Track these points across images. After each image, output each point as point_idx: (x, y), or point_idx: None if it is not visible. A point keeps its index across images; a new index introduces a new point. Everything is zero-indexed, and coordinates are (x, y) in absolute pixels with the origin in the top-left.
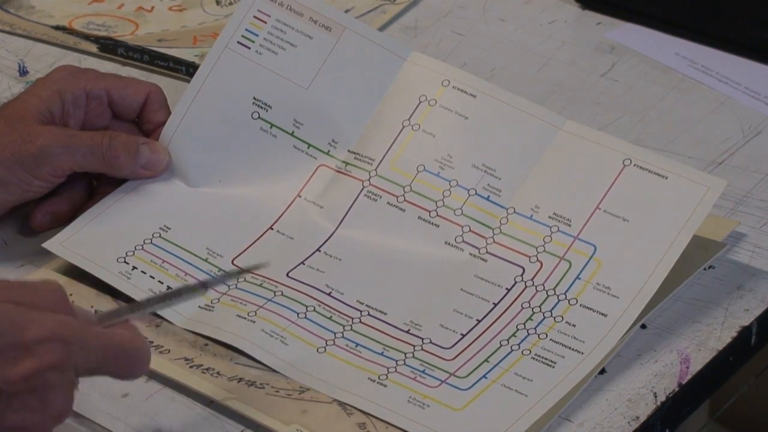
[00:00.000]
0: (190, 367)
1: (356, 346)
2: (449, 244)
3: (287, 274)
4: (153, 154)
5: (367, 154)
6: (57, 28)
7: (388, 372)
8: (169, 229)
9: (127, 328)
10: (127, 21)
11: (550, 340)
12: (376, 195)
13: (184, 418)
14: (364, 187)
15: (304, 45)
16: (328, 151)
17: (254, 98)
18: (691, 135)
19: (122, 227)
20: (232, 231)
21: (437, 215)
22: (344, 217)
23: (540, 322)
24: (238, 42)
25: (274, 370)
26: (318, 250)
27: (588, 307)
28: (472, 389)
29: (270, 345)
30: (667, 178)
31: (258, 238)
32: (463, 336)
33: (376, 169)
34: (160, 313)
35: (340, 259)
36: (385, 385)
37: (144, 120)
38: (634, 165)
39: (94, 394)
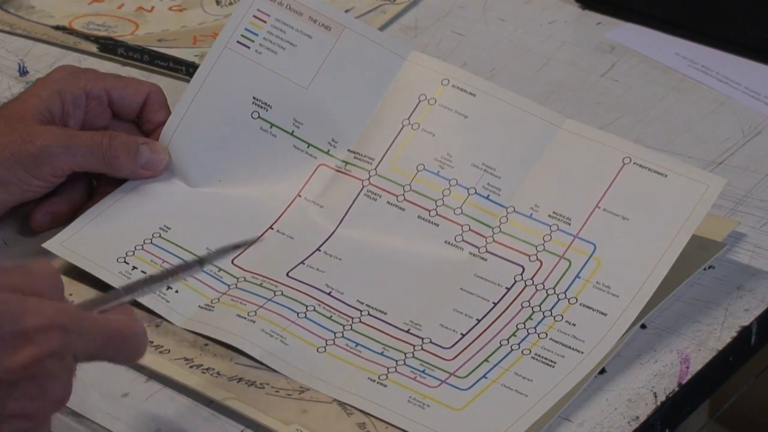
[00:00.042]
0: (190, 367)
1: (356, 346)
2: (449, 243)
3: (287, 274)
4: (153, 154)
5: (366, 154)
6: (57, 28)
7: (388, 372)
8: (169, 229)
9: (123, 313)
10: (127, 21)
11: (550, 339)
12: (375, 194)
13: (184, 418)
14: (363, 186)
15: (304, 44)
16: (328, 150)
17: (254, 98)
18: (691, 135)
19: (122, 227)
20: (232, 231)
21: (437, 214)
22: (344, 217)
23: (540, 322)
24: (238, 42)
25: (274, 370)
26: (318, 249)
27: (588, 306)
28: (472, 389)
29: (270, 345)
30: (666, 176)
31: (258, 238)
32: (463, 336)
33: (375, 169)
34: (159, 312)
35: (340, 259)
36: (385, 385)
37: (144, 120)
38: (634, 163)
39: (94, 394)
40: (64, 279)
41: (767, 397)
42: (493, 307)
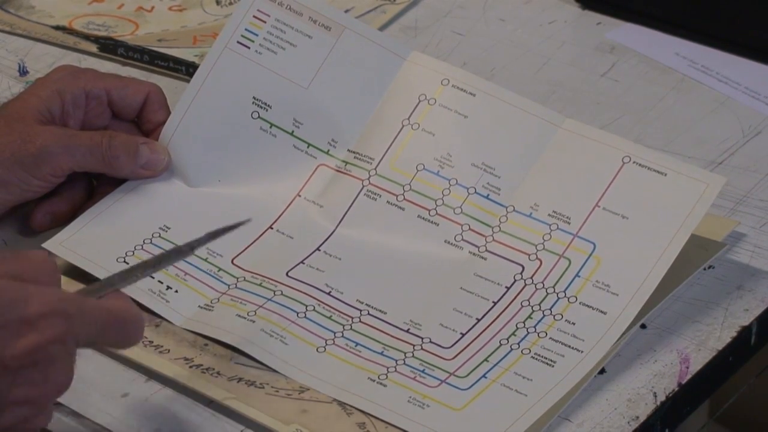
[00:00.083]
0: (190, 367)
1: (356, 346)
2: (449, 242)
3: (287, 274)
4: (153, 154)
5: (366, 154)
6: (57, 28)
7: (388, 372)
8: (169, 228)
9: (120, 298)
10: (127, 21)
11: (550, 338)
12: (375, 194)
13: (184, 418)
14: (363, 186)
15: (304, 44)
16: (328, 150)
17: (254, 98)
18: (691, 135)
19: (122, 227)
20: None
21: (437, 214)
22: (344, 217)
23: (540, 321)
24: (238, 42)
25: (274, 370)
26: (318, 249)
27: (587, 305)
28: (471, 389)
29: (270, 345)
30: (666, 175)
31: (258, 238)
32: (463, 335)
33: (375, 168)
34: (159, 312)
35: (340, 259)
36: (385, 385)
37: (143, 120)
38: (634, 162)
39: (94, 394)
40: (64, 279)
41: (767, 397)
42: (492, 307)
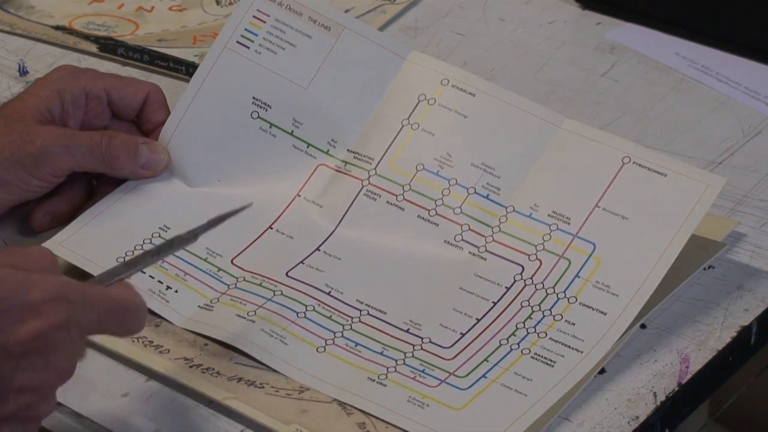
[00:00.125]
0: (190, 367)
1: (356, 346)
2: (449, 242)
3: (287, 274)
4: (152, 154)
5: (366, 154)
6: (57, 28)
7: (388, 371)
8: (169, 228)
9: (123, 286)
10: (127, 21)
11: (550, 338)
12: (375, 194)
13: (184, 418)
14: (363, 186)
15: (304, 44)
16: (328, 150)
17: (253, 98)
18: (691, 135)
19: (122, 227)
20: (231, 230)
21: (436, 214)
22: (344, 217)
23: (539, 321)
24: (238, 42)
25: (274, 370)
26: (317, 249)
27: (587, 306)
28: (471, 389)
29: (270, 345)
30: (666, 175)
31: (257, 238)
32: (463, 335)
33: (375, 168)
34: (159, 312)
35: (340, 259)
36: (385, 385)
37: (143, 120)
38: (633, 163)
39: (94, 394)
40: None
41: (767, 397)
42: (492, 307)
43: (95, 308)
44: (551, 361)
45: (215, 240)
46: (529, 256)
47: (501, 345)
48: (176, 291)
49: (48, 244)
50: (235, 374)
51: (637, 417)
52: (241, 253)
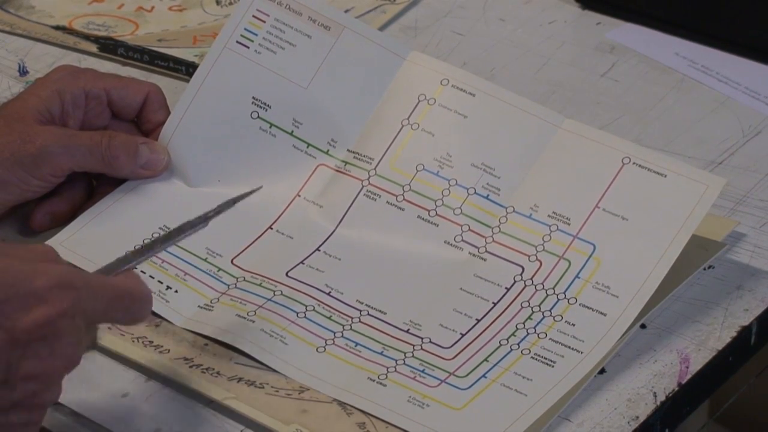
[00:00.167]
0: (190, 367)
1: (356, 346)
2: (449, 243)
3: (287, 274)
4: (152, 154)
5: (366, 154)
6: (57, 28)
7: (388, 371)
8: (169, 228)
9: (128, 276)
10: (127, 21)
11: (550, 339)
12: (375, 194)
13: (184, 418)
14: (363, 186)
15: (303, 44)
16: (328, 150)
17: (253, 98)
18: (691, 135)
19: (122, 227)
20: (231, 231)
21: (436, 214)
22: (344, 217)
23: (539, 322)
24: (237, 41)
25: (274, 370)
26: (317, 249)
27: (587, 306)
28: (471, 389)
29: (270, 345)
30: (666, 176)
31: (257, 238)
32: (463, 335)
33: (375, 169)
34: (159, 312)
35: (340, 259)
36: (385, 385)
37: (143, 120)
38: (633, 163)
39: (94, 394)
40: None
41: (767, 397)
42: (492, 307)
43: (100, 296)
44: (551, 361)
45: (215, 240)
46: (529, 256)
47: (501, 345)
48: (176, 291)
49: (48, 244)
50: (235, 374)
51: (637, 417)
52: (241, 253)
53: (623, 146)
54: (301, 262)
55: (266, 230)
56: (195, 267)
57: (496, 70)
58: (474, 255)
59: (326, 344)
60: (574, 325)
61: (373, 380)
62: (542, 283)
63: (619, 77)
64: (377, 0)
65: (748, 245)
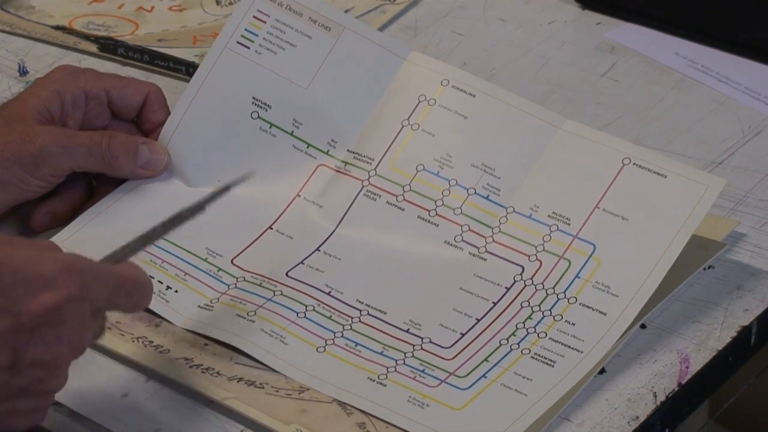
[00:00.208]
0: (190, 367)
1: (356, 346)
2: (449, 243)
3: (287, 274)
4: (152, 154)
5: (366, 154)
6: (57, 28)
7: (388, 371)
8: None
9: (128, 264)
10: (127, 21)
11: (550, 339)
12: (375, 194)
13: (184, 418)
14: (363, 186)
15: (304, 45)
16: (328, 150)
17: (253, 98)
18: (691, 135)
19: (122, 227)
20: (231, 231)
21: (437, 214)
22: (344, 217)
23: (539, 321)
24: (238, 42)
25: (274, 370)
26: (317, 249)
27: (587, 306)
28: (471, 389)
29: (270, 345)
30: (666, 176)
31: (257, 238)
32: (463, 335)
33: (375, 169)
34: (159, 312)
35: (340, 259)
36: (385, 385)
37: (143, 120)
38: (633, 164)
39: (94, 394)
40: None
41: (767, 397)
42: (492, 307)
43: (104, 282)
44: (551, 361)
45: (215, 240)
46: (529, 256)
47: (501, 345)
48: (176, 291)
49: None
50: (235, 374)
51: (637, 417)
52: (241, 253)
53: (623, 147)
54: (301, 262)
55: (266, 230)
56: (195, 267)
57: (496, 70)
58: (474, 255)
59: (326, 344)
60: (574, 324)
61: (373, 380)
62: (542, 283)
63: (619, 77)
64: (377, 0)
65: (748, 245)
